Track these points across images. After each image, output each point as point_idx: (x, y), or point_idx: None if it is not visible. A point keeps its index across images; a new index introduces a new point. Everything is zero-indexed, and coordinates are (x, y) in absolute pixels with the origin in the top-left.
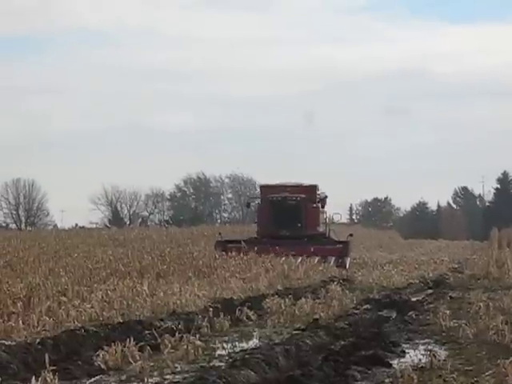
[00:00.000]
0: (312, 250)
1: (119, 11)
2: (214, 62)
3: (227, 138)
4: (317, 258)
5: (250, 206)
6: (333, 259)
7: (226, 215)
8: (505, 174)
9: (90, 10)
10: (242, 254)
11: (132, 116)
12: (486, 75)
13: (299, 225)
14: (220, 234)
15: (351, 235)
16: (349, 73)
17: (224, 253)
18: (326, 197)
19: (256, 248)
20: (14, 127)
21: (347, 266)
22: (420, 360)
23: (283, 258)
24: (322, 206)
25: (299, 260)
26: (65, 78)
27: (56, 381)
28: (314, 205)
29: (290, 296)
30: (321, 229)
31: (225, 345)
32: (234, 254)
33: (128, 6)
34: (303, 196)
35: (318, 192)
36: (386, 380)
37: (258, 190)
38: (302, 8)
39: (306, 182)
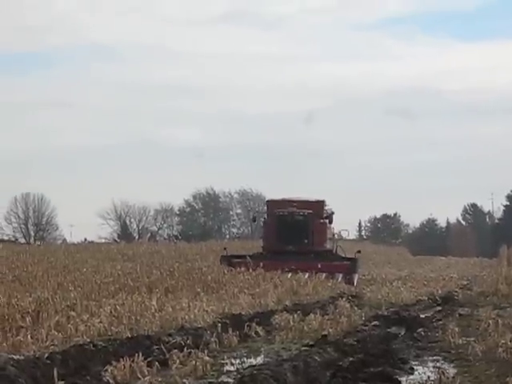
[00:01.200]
0: (319, 266)
1: (129, 27)
2: (224, 79)
3: (237, 153)
4: (324, 275)
5: (256, 221)
6: (340, 276)
7: (234, 230)
8: None
9: (99, 26)
10: (247, 270)
11: (142, 131)
12: (496, 92)
13: (306, 241)
14: (225, 249)
15: (359, 252)
16: (358, 89)
17: (230, 268)
18: (333, 213)
19: (262, 264)
20: (24, 142)
21: (355, 283)
22: (429, 377)
23: (290, 274)
24: (330, 222)
25: (307, 276)
26: (75, 92)
27: None
28: (322, 220)
29: (298, 312)
30: (328, 245)
31: (233, 360)
32: (242, 269)
33: (138, 21)
34: (310, 211)
35: (326, 207)
36: None
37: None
38: (313, 25)
39: (315, 197)
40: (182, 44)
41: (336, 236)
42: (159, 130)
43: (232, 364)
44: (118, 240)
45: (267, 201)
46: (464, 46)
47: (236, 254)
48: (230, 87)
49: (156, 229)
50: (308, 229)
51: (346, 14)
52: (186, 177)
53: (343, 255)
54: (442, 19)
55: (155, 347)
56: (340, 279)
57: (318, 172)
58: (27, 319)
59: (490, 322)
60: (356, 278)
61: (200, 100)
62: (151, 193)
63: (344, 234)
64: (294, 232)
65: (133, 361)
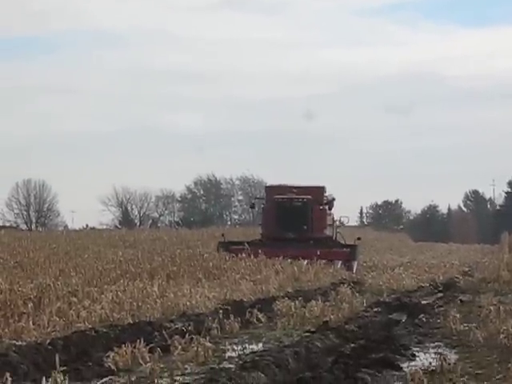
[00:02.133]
0: (318, 253)
1: (131, 13)
2: (226, 65)
3: (238, 139)
4: (324, 261)
5: (255, 207)
6: (339, 263)
7: (236, 217)
8: None
9: (103, 12)
10: (245, 256)
11: (143, 118)
12: (496, 78)
13: (305, 227)
14: (223, 235)
15: (359, 239)
16: (361, 75)
17: (228, 254)
18: (334, 199)
19: (260, 251)
20: (26, 127)
21: (354, 271)
22: (430, 363)
23: (290, 261)
24: (329, 209)
25: (306, 262)
26: (76, 78)
27: (66, 382)
28: (321, 207)
29: (300, 298)
30: (328, 232)
31: (235, 347)
32: (240, 256)
33: (140, 7)
34: (310, 197)
35: (326, 194)
36: (397, 383)
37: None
38: (315, 10)
39: (315, 183)
40: (184, 30)
41: (338, 223)
42: (161, 116)
43: (234, 350)
44: (120, 226)
45: (266, 187)
46: (465, 32)
47: (234, 240)
48: (231, 73)
49: (157, 215)
50: (307, 215)
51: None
52: (187, 163)
53: (343, 242)
54: (444, 5)
55: (157, 333)
56: (339, 266)
57: (320, 158)
58: (29, 305)
59: (492, 308)
60: (355, 265)
61: (202, 86)
62: (152, 179)
63: (344, 221)
64: (293, 218)
65: (134, 347)
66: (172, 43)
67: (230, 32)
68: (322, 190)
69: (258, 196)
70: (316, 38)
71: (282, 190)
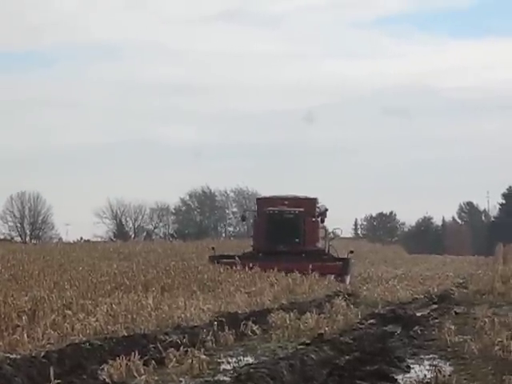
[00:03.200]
0: (310, 267)
1: (127, 26)
2: (221, 77)
3: (233, 152)
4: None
5: (245, 219)
6: (332, 277)
7: (231, 229)
8: (510, 189)
9: (99, 25)
10: (235, 270)
11: (138, 130)
12: (492, 90)
13: (297, 240)
14: (213, 248)
15: (352, 252)
16: (356, 88)
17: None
18: (327, 210)
19: (251, 264)
20: (20, 140)
21: (347, 284)
22: (425, 375)
23: (284, 273)
24: (322, 221)
25: (300, 275)
26: (71, 91)
27: None
28: (314, 219)
29: (294, 310)
30: (320, 244)
31: (229, 359)
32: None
33: (136, 20)
34: (302, 209)
35: (318, 205)
36: None
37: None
38: (312, 23)
39: (307, 195)
40: (179, 42)
41: (332, 235)
42: (155, 129)
43: (228, 362)
44: (114, 239)
45: (257, 198)
46: (460, 43)
47: (227, 253)
48: (226, 86)
49: (152, 227)
50: (299, 228)
51: (345, 12)
52: (182, 175)
53: (336, 255)
54: (438, 17)
55: (151, 346)
56: (332, 279)
57: (315, 170)
58: (23, 318)
59: (486, 320)
60: (348, 279)
61: (197, 98)
62: (147, 191)
63: (337, 232)
64: (284, 231)
65: (129, 359)
66: (167, 56)
67: (224, 45)
68: (314, 201)
69: (246, 208)
70: (311, 50)
71: (273, 201)
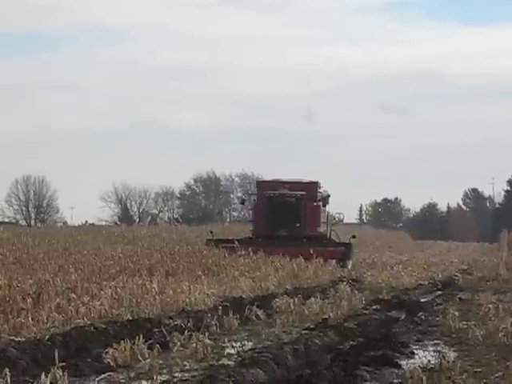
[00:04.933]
0: (311, 252)
1: (133, 9)
2: (228, 62)
3: (238, 136)
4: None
5: (245, 203)
6: (333, 262)
7: (235, 214)
8: None
9: (104, 8)
10: (235, 255)
11: (143, 114)
12: (498, 76)
13: (298, 224)
14: (211, 232)
15: (354, 237)
16: (361, 73)
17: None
18: (329, 195)
19: (250, 249)
20: (25, 124)
21: (349, 269)
22: (429, 361)
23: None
24: (323, 205)
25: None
26: (78, 75)
27: (65, 377)
28: (315, 203)
29: (299, 295)
30: (321, 229)
31: (234, 343)
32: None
33: (143, 4)
34: (303, 193)
35: (320, 189)
36: (395, 381)
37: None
38: (316, 8)
39: (309, 178)
40: (185, 26)
41: (336, 219)
42: (160, 113)
43: (233, 347)
44: (119, 223)
45: (257, 181)
46: (467, 30)
47: (223, 238)
48: (231, 70)
49: (157, 212)
50: (300, 212)
51: None
52: (186, 160)
53: (338, 240)
54: (445, 3)
55: (156, 330)
56: (333, 265)
57: (320, 156)
58: (28, 301)
59: (491, 306)
60: (350, 264)
61: (202, 83)
62: (152, 176)
63: (339, 217)
64: (284, 215)
65: (133, 343)
66: (172, 40)
67: (230, 29)
68: (316, 185)
69: (246, 191)
70: (315, 35)
71: (273, 185)
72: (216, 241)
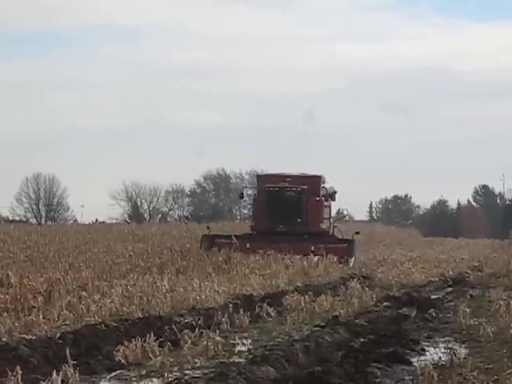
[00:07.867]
0: (312, 248)
1: (144, 8)
2: (237, 59)
3: (248, 134)
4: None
5: (243, 197)
6: (335, 259)
7: (245, 211)
8: None
9: (116, 7)
10: (232, 251)
11: (153, 112)
12: (510, 72)
13: (299, 220)
14: (208, 228)
15: (357, 233)
16: (371, 70)
17: (211, 250)
18: (335, 192)
19: (248, 245)
20: (36, 122)
21: (350, 267)
22: (440, 358)
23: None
24: (327, 200)
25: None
26: (88, 73)
27: (76, 375)
28: (318, 198)
29: (309, 293)
30: (324, 226)
31: (244, 341)
32: (224, 251)
33: (153, 2)
34: (305, 187)
35: (324, 184)
36: (407, 377)
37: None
38: (325, 5)
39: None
40: (196, 25)
41: (347, 216)
42: (170, 111)
43: (243, 344)
44: (129, 221)
45: (257, 175)
46: (477, 26)
47: (220, 234)
48: (240, 68)
49: (167, 210)
50: (301, 207)
51: None
52: (196, 157)
53: (341, 236)
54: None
55: (167, 327)
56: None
57: (331, 153)
58: (39, 299)
59: (501, 303)
60: (352, 261)
61: (212, 81)
62: (162, 173)
63: (345, 213)
64: (285, 210)
65: (144, 341)
66: (184, 38)
67: (239, 27)
68: (318, 179)
69: (244, 185)
70: (326, 32)
71: (274, 178)
72: (212, 236)
